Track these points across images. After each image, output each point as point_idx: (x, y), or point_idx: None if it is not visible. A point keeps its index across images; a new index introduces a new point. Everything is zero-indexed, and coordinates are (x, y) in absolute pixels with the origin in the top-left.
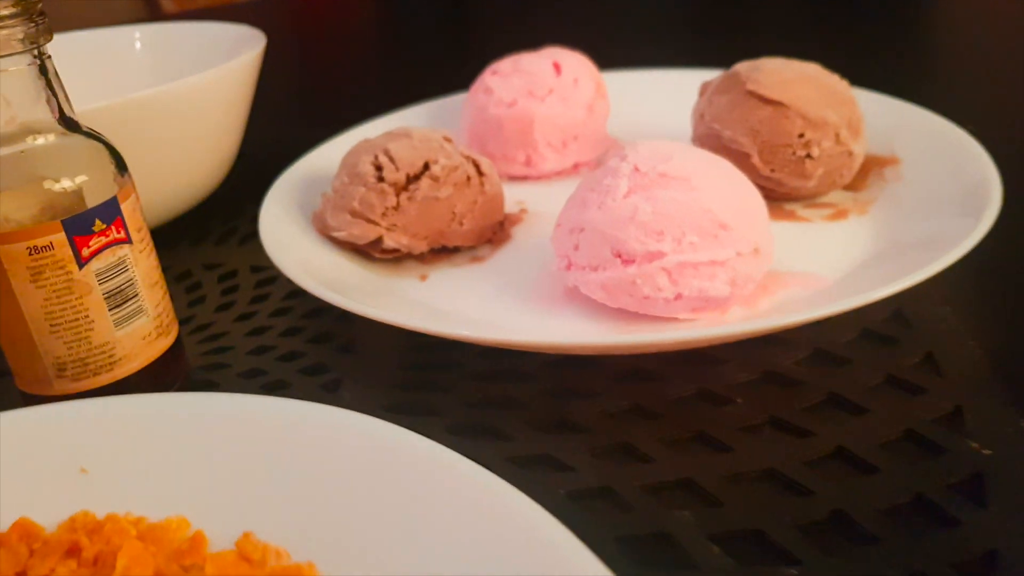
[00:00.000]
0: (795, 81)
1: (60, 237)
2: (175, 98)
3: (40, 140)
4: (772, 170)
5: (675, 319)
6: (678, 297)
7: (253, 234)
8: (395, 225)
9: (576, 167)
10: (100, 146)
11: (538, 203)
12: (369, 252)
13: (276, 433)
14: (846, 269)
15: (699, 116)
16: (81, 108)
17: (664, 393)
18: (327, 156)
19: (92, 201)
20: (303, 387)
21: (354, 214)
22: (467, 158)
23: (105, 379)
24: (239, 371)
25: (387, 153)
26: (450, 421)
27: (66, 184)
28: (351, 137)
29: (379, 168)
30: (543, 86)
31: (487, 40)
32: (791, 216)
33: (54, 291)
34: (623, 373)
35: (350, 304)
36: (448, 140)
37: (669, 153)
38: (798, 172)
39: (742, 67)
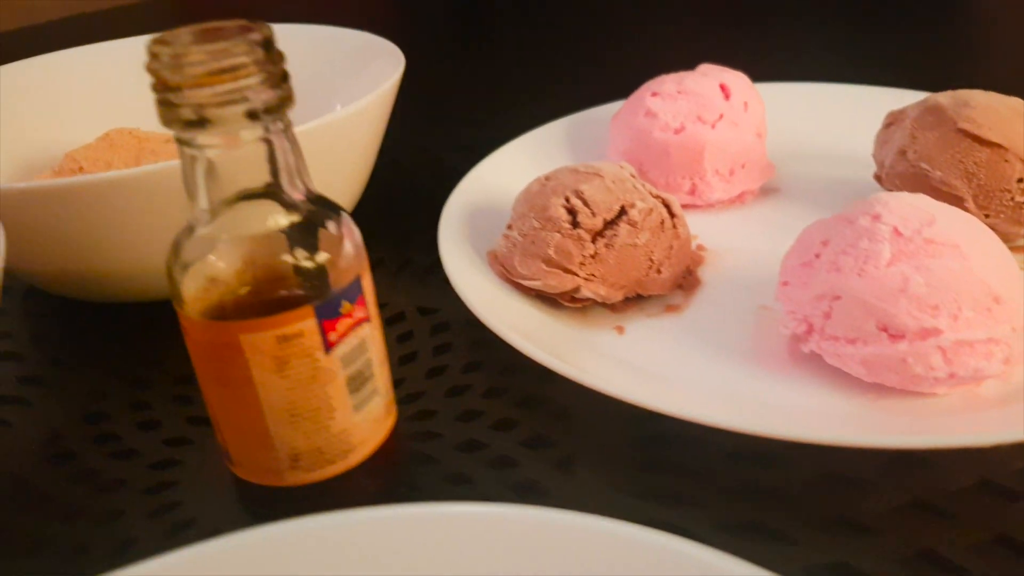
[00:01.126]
0: (1010, 119)
1: (310, 323)
2: (328, 131)
3: (285, 218)
4: (987, 215)
5: (932, 393)
6: (951, 376)
7: (405, 267)
8: (593, 275)
9: (742, 196)
10: (343, 218)
11: (712, 238)
12: (557, 299)
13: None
14: None
15: (898, 152)
16: None
17: (944, 486)
18: (482, 182)
19: (337, 281)
20: (532, 465)
21: (549, 263)
22: (657, 198)
23: (340, 467)
24: (455, 443)
25: (580, 196)
26: (714, 515)
27: (312, 264)
28: (500, 162)
29: (572, 212)
30: (712, 110)
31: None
32: None
33: (299, 380)
34: (891, 457)
35: (583, 376)
36: (634, 176)
37: (929, 214)
38: (1014, 218)
39: (945, 101)
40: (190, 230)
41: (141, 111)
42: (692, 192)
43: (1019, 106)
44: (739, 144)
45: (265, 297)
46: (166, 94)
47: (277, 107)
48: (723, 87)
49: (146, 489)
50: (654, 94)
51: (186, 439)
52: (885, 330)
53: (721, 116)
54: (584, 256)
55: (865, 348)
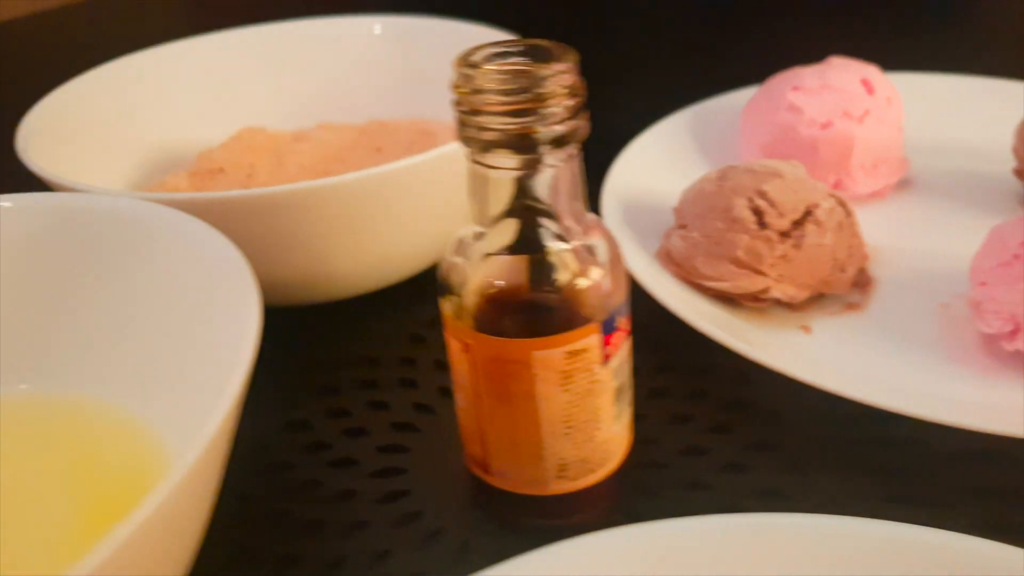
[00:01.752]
0: None
1: (595, 339)
2: None
3: (566, 238)
4: None
5: None
6: None
7: None
8: (782, 276)
9: (883, 190)
10: (613, 237)
11: (867, 234)
12: (738, 299)
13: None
14: None
15: None
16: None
17: None
18: (623, 181)
19: (615, 297)
20: (764, 470)
21: (739, 264)
22: (833, 196)
23: (599, 476)
24: (678, 448)
25: (764, 196)
26: (963, 516)
27: (593, 282)
28: (632, 159)
29: (759, 213)
30: (859, 106)
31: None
32: None
33: (578, 393)
34: None
35: (813, 379)
36: (811, 178)
37: None
38: None
39: None
40: (469, 246)
41: (257, 104)
42: (836, 186)
43: None
44: (884, 139)
45: (552, 314)
46: (471, 116)
47: (576, 136)
48: (865, 82)
49: (375, 471)
50: (795, 88)
51: (412, 425)
52: None
53: (867, 112)
54: (774, 257)
55: None
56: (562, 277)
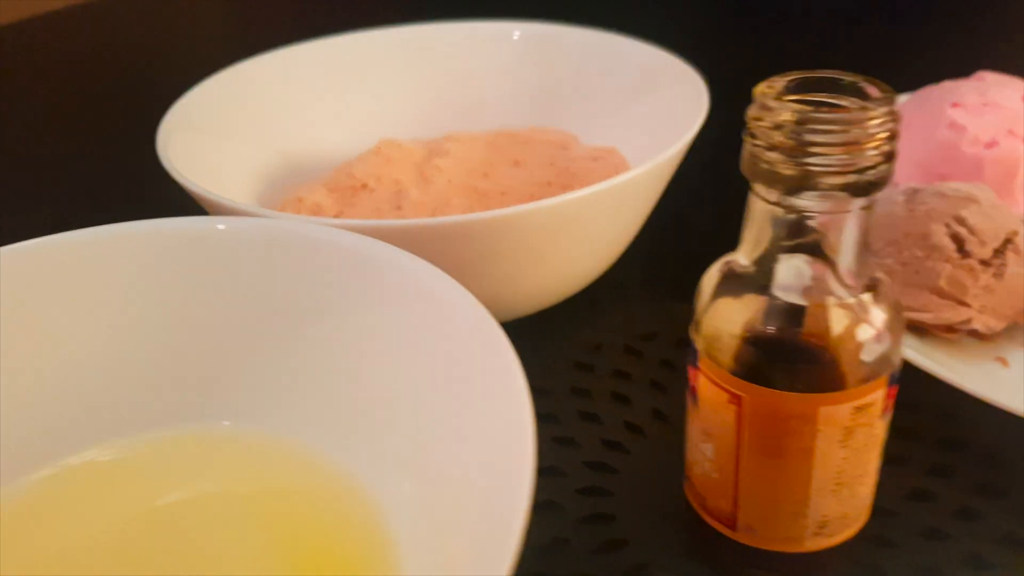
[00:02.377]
0: None
1: (880, 394)
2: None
3: (862, 288)
4: None
5: None
6: None
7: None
8: (984, 307)
9: None
10: (888, 281)
11: None
12: (932, 330)
13: None
14: None
15: None
16: None
17: None
18: None
19: (895, 348)
20: (999, 517)
21: (941, 295)
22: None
23: (851, 532)
24: (902, 492)
25: (963, 223)
26: None
27: (879, 332)
28: None
29: (959, 241)
30: (1022, 124)
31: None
32: None
33: (855, 449)
34: None
35: None
36: (998, 204)
37: None
38: None
39: None
40: (736, 284)
41: (381, 107)
42: None
43: None
44: None
45: (835, 367)
46: (767, 151)
47: (883, 184)
48: None
49: (581, 488)
50: (955, 105)
51: (622, 445)
52: None
53: None
54: (977, 287)
55: None
56: (847, 328)
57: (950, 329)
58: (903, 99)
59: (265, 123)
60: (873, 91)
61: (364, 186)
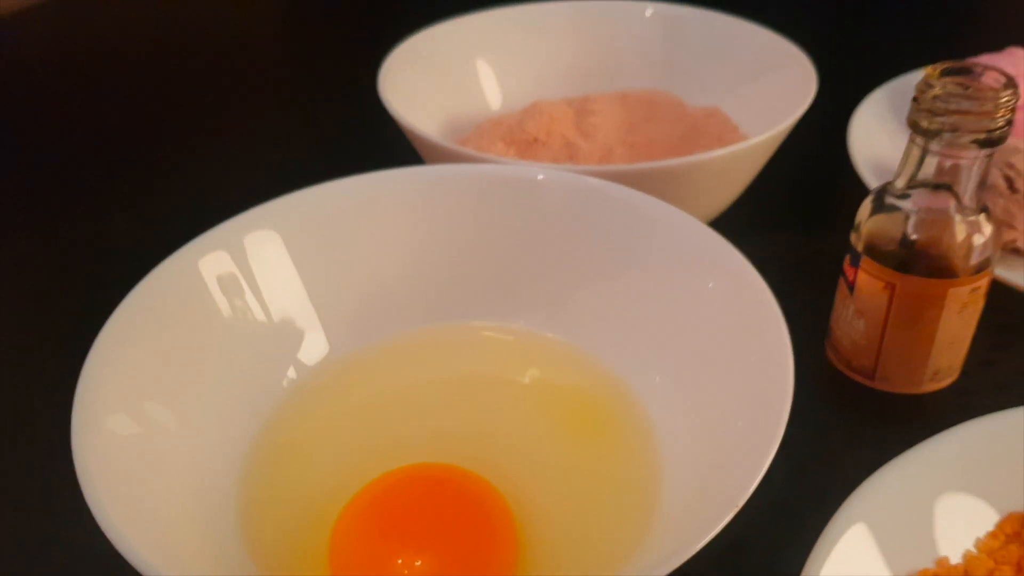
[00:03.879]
0: None
1: (986, 280)
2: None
3: (978, 211)
4: None
5: None
6: None
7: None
8: None
9: None
10: (991, 211)
11: None
12: None
13: None
14: None
15: None
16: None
17: None
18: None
19: (994, 251)
20: None
21: (997, 222)
22: None
23: (954, 379)
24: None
25: (1012, 168)
26: None
27: (988, 239)
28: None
29: (1009, 181)
30: None
31: None
32: None
33: (965, 319)
34: None
35: None
36: None
37: None
38: None
39: None
40: (893, 204)
41: (530, 72)
42: None
43: None
44: None
45: (959, 262)
46: (931, 114)
47: (1003, 141)
48: None
49: None
50: None
51: None
52: None
53: None
54: (1023, 214)
55: None
56: (967, 236)
57: (1003, 247)
58: None
59: (452, 79)
60: (997, 76)
61: (536, 140)
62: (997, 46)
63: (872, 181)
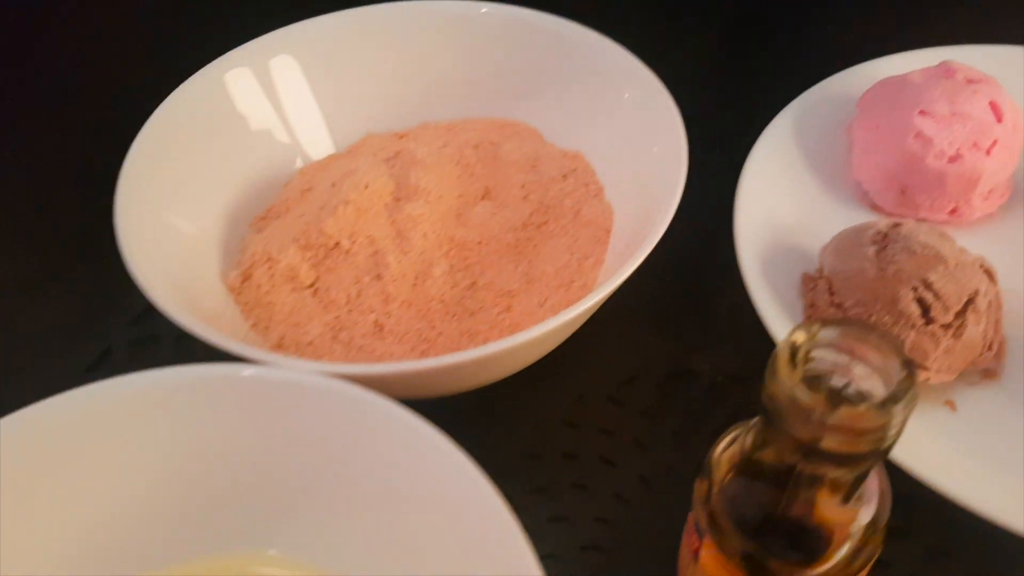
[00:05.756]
0: None
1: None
2: None
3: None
4: None
5: None
6: None
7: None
8: (941, 368)
9: (996, 210)
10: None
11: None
12: None
13: None
14: None
15: None
16: None
17: None
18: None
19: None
20: None
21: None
22: (985, 272)
23: None
24: None
25: (930, 288)
26: None
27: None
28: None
29: (925, 306)
30: (987, 136)
31: None
32: None
33: None
34: None
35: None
36: (963, 250)
37: None
38: None
39: None
40: (752, 492)
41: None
42: (954, 212)
43: None
44: (1007, 169)
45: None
46: (783, 421)
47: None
48: (994, 106)
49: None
50: (923, 113)
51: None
52: None
53: (995, 142)
54: (938, 352)
55: None
56: (849, 552)
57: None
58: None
59: (225, 137)
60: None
61: (338, 245)
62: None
63: (754, 275)
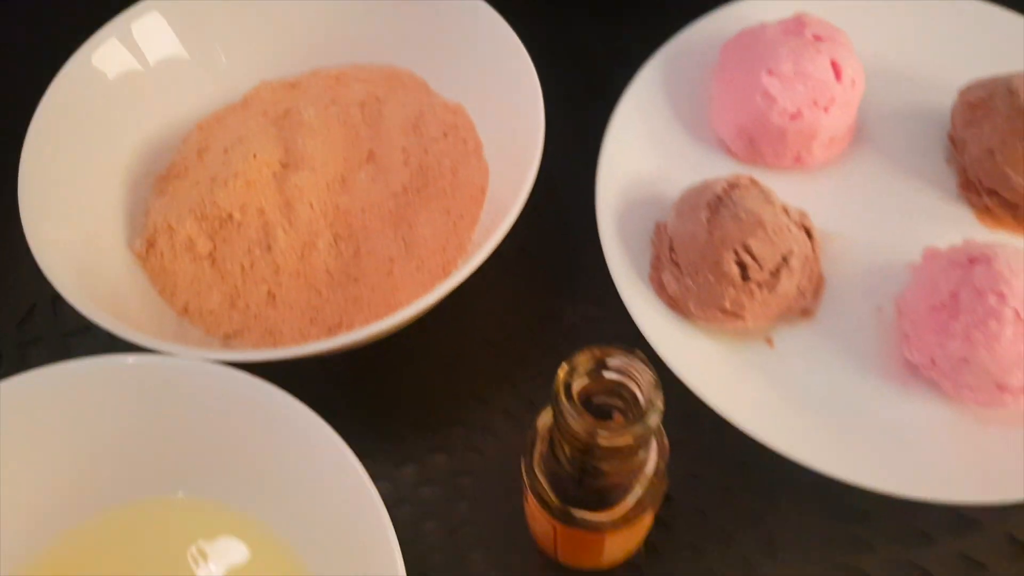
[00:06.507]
0: None
1: (649, 516)
2: None
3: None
4: None
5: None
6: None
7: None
8: (758, 315)
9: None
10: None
11: (816, 209)
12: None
13: None
14: None
15: (986, 151)
16: None
17: None
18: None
19: (661, 490)
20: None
21: (724, 312)
22: (802, 228)
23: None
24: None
25: (748, 251)
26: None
27: (649, 484)
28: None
29: (743, 267)
30: (826, 95)
31: None
32: None
33: (632, 536)
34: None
35: (790, 451)
36: (786, 211)
37: None
38: None
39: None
40: (552, 461)
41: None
42: (796, 160)
43: None
44: (845, 122)
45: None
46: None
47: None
48: (834, 65)
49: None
50: (770, 73)
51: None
52: (1000, 388)
53: (833, 99)
54: (754, 305)
55: (979, 394)
56: (628, 508)
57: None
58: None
59: (121, 103)
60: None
61: (230, 217)
62: None
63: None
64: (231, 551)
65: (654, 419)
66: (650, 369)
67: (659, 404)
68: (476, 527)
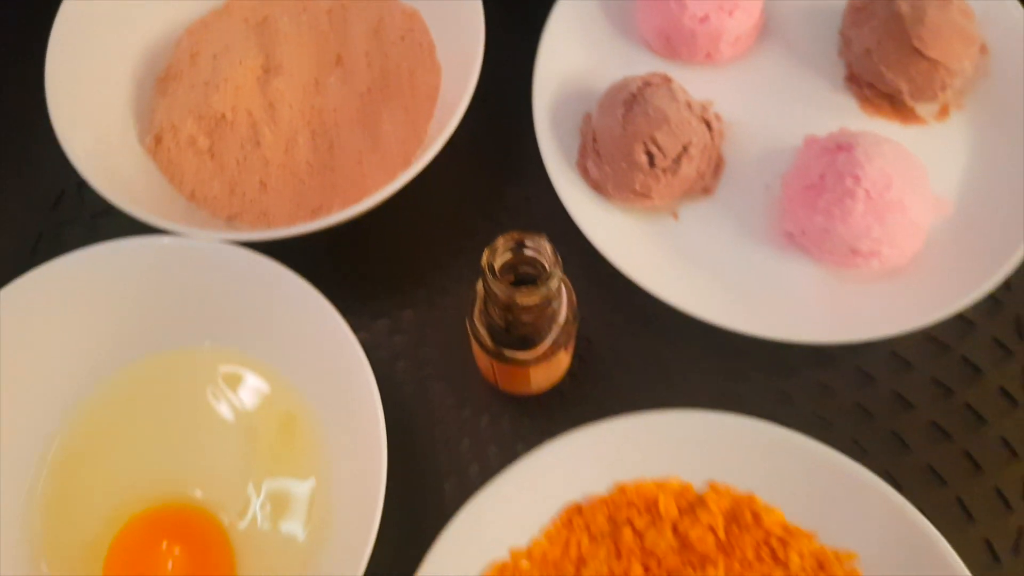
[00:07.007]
0: (949, 38)
1: (569, 351)
2: None
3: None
4: (914, 100)
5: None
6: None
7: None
8: (663, 194)
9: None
10: (569, 306)
11: (723, 99)
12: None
13: None
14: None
15: (865, 51)
16: None
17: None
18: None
19: (572, 337)
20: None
21: (635, 193)
22: (703, 120)
23: (558, 381)
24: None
25: (655, 143)
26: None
27: (560, 326)
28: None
29: (650, 156)
30: (731, 2)
31: None
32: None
33: (556, 365)
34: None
35: (684, 305)
36: (689, 106)
37: (887, 176)
38: (931, 98)
39: (905, 9)
40: (487, 313)
41: None
42: (707, 57)
43: (960, 19)
44: (748, 24)
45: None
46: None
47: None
48: None
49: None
50: None
51: None
52: (853, 252)
53: (737, 4)
54: (659, 187)
55: (836, 257)
56: (548, 348)
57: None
58: None
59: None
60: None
61: (223, 117)
62: None
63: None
64: (253, 383)
65: (554, 283)
66: (551, 246)
67: (558, 272)
68: (436, 365)
